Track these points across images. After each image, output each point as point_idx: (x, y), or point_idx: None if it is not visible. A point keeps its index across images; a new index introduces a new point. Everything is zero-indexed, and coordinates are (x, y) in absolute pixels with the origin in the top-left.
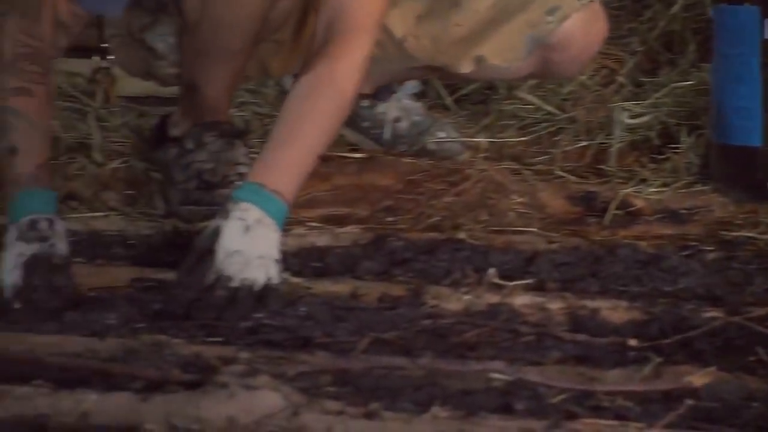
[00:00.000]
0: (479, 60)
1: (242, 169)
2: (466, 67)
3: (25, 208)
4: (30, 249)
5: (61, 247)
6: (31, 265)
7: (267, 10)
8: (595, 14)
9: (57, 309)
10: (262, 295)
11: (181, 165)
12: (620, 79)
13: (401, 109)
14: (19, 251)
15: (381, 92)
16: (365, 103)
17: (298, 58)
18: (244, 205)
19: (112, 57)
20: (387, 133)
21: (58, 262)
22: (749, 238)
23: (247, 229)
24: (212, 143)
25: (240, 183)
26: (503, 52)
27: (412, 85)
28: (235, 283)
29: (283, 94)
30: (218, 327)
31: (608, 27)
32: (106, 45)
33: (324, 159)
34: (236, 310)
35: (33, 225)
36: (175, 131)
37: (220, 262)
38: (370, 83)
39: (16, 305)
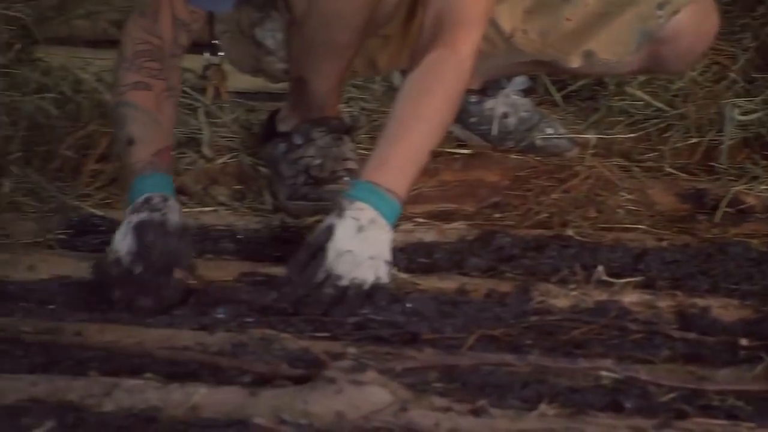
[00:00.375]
0: (588, 54)
1: (350, 164)
2: (574, 62)
3: (140, 190)
4: (139, 217)
5: (174, 218)
6: (142, 229)
7: (374, 4)
8: (706, 9)
9: (171, 271)
10: (371, 294)
11: (289, 160)
12: (732, 75)
13: (509, 104)
14: (129, 221)
15: (489, 88)
16: (473, 98)
17: (405, 53)
18: (358, 204)
19: (223, 54)
20: (494, 129)
21: (171, 229)
22: None
23: (361, 229)
24: (321, 139)
25: (348, 179)
26: (612, 47)
27: (520, 81)
28: (344, 282)
29: (391, 90)
30: (326, 322)
31: (719, 22)
32: (217, 42)
33: (431, 155)
34: (344, 308)
35: (147, 201)
36: (283, 126)
37: (331, 261)
38: (478, 79)
39: (136, 269)
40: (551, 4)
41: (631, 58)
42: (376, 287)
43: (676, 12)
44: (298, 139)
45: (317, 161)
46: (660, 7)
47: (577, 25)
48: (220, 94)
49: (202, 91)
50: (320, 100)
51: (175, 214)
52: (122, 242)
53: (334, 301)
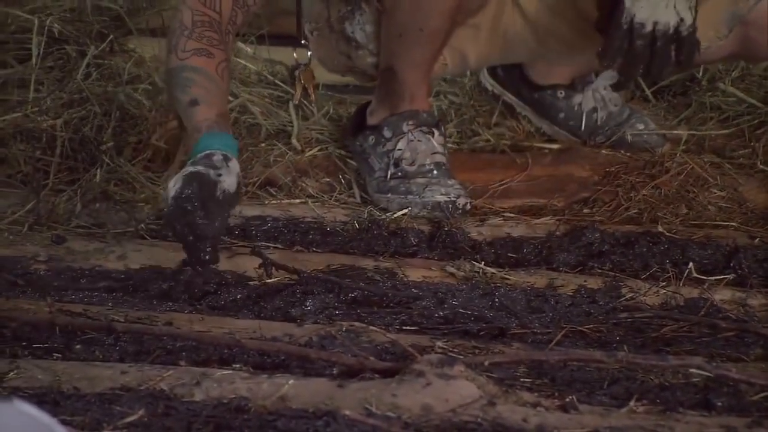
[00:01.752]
0: None
1: (438, 158)
2: None
3: (205, 146)
4: (194, 168)
5: (230, 182)
6: (190, 179)
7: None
8: None
9: (199, 231)
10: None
11: (378, 153)
12: None
13: (598, 99)
14: (184, 171)
15: (577, 83)
16: (561, 94)
17: (496, 46)
18: None
19: (311, 53)
20: (583, 125)
21: (220, 195)
22: None
23: None
24: (410, 132)
25: (437, 173)
26: (706, 31)
27: (609, 75)
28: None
29: (480, 85)
30: (413, 315)
31: None
32: (305, 41)
33: (520, 149)
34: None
35: (207, 156)
36: (372, 119)
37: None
38: (566, 73)
39: (168, 210)
40: None
41: (721, 43)
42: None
43: None
44: (387, 132)
45: (406, 154)
46: None
47: None
48: (309, 95)
49: (292, 82)
50: (410, 91)
51: (232, 177)
52: (170, 189)
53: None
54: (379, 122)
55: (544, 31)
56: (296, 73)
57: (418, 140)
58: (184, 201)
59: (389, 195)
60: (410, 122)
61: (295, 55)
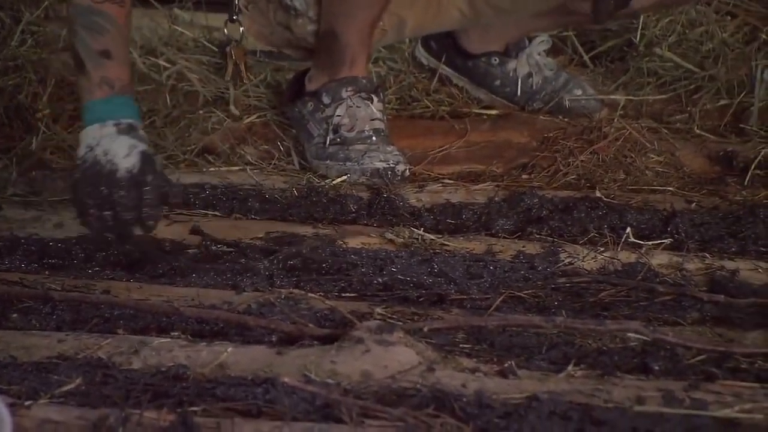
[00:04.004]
0: None
1: (377, 124)
2: None
3: (121, 112)
4: (141, 146)
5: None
6: (147, 159)
7: None
8: None
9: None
10: None
11: (317, 119)
12: (763, 36)
13: (532, 64)
14: (130, 143)
15: (511, 49)
16: (495, 60)
17: (430, 14)
18: None
19: (244, 29)
20: (519, 90)
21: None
22: None
23: None
24: (349, 98)
25: (375, 138)
26: None
27: (542, 40)
28: None
29: (415, 62)
30: (352, 282)
31: None
32: (237, 17)
33: (458, 116)
34: None
35: (132, 128)
36: (311, 85)
37: None
38: (499, 39)
39: (123, 192)
40: None
41: None
42: None
43: None
44: (326, 98)
45: (345, 120)
46: None
47: None
48: (241, 71)
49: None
50: (351, 54)
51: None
52: (125, 159)
53: None
54: (318, 88)
55: None
56: (227, 49)
57: (357, 106)
58: (144, 183)
59: (328, 162)
60: (349, 88)
61: (226, 31)
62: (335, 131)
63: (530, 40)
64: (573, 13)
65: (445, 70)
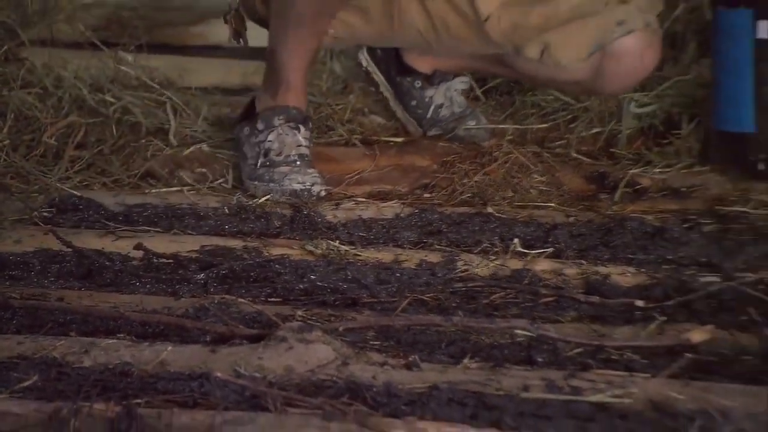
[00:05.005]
0: (546, 46)
1: (303, 150)
2: (532, 52)
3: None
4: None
5: None
6: None
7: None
8: (653, 40)
9: None
10: None
11: (251, 143)
12: None
13: (447, 98)
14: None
15: (436, 76)
16: (418, 84)
17: (387, 31)
18: None
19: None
20: (429, 115)
21: None
22: (742, 212)
23: None
24: (279, 126)
25: (300, 163)
26: (569, 48)
27: (462, 80)
28: None
29: (337, 84)
30: (277, 288)
31: (660, 58)
32: None
33: (369, 143)
34: None
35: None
36: (258, 105)
37: None
38: (432, 64)
39: None
40: (526, 1)
41: (579, 65)
42: None
43: (629, 32)
44: (260, 125)
45: (275, 146)
46: (619, 24)
47: (544, 21)
48: (239, 35)
49: (168, 86)
50: (287, 78)
51: None
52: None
53: None
54: (256, 114)
55: (441, 24)
56: (227, 17)
57: (286, 134)
58: None
59: (256, 182)
60: (281, 117)
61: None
62: (265, 155)
63: (455, 76)
64: (507, 66)
65: (378, 77)
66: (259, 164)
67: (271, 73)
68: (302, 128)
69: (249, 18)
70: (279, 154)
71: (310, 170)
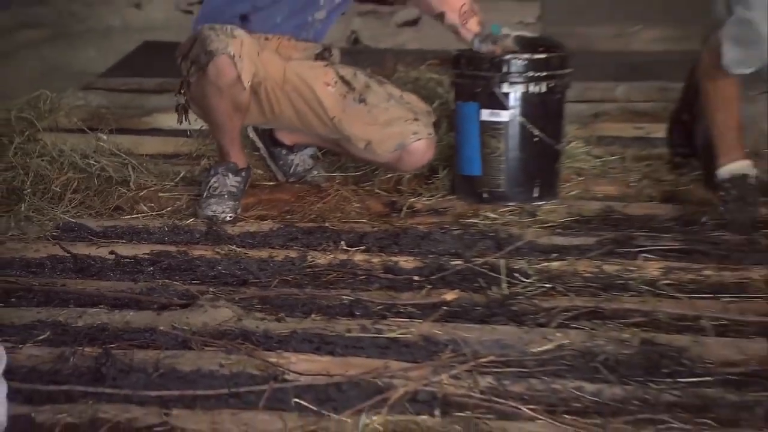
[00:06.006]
0: (368, 142)
1: (232, 189)
2: (360, 144)
3: None
4: None
5: None
6: None
7: (245, 105)
8: (432, 143)
9: None
10: None
11: (205, 181)
12: None
13: (301, 161)
14: None
15: (295, 148)
16: (284, 152)
17: (269, 120)
18: None
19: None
20: (291, 170)
21: None
22: (474, 223)
23: None
24: (221, 173)
25: (227, 197)
26: (383, 144)
27: (311, 150)
28: None
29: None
30: (197, 275)
31: (434, 154)
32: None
33: (256, 186)
34: None
35: None
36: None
37: None
38: (294, 139)
39: None
40: (359, 110)
41: (388, 155)
42: None
43: (419, 139)
44: (212, 171)
45: (215, 185)
46: (413, 133)
47: (368, 126)
48: (183, 118)
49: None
50: (226, 148)
51: None
52: None
53: None
54: (212, 165)
55: (304, 118)
56: (177, 107)
57: (224, 176)
58: None
59: (197, 208)
60: (222, 167)
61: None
62: (210, 190)
63: (306, 146)
64: (343, 147)
65: (260, 145)
66: (204, 195)
67: (217, 145)
68: (233, 175)
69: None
70: (215, 190)
71: (230, 203)
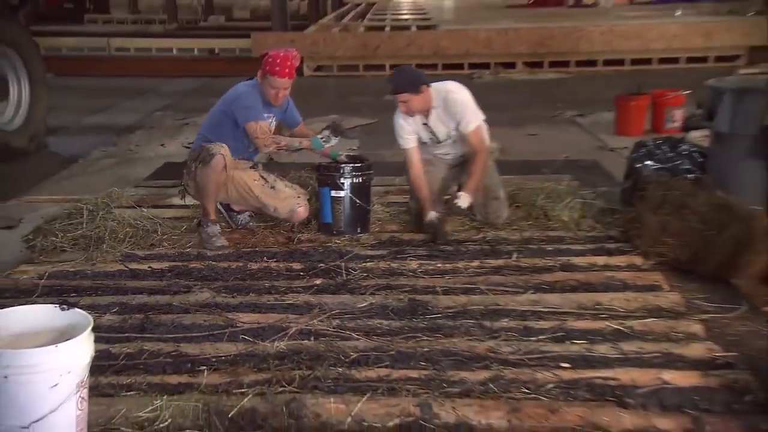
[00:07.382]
0: (275, 208)
1: (215, 233)
2: (271, 209)
3: None
4: None
5: None
6: None
7: (223, 182)
8: (307, 208)
9: None
10: None
11: (201, 232)
12: None
13: (244, 217)
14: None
15: (241, 211)
16: (234, 214)
17: (236, 198)
18: None
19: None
20: (238, 223)
21: None
22: (329, 245)
23: None
24: (209, 226)
25: (218, 243)
26: (282, 209)
27: (249, 212)
28: None
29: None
30: (193, 276)
31: (308, 213)
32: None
33: (222, 234)
34: None
35: None
36: (203, 220)
37: None
38: (239, 208)
39: None
40: (270, 192)
41: (285, 214)
42: None
43: (300, 206)
44: (203, 225)
45: (210, 232)
46: (298, 203)
47: (275, 200)
48: (184, 197)
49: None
50: (210, 211)
51: None
52: None
53: None
54: (202, 222)
55: (244, 198)
56: (179, 191)
57: (212, 228)
58: None
59: (205, 244)
60: (208, 222)
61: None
62: (206, 236)
63: (245, 211)
64: (263, 211)
65: (222, 211)
66: (204, 240)
67: (203, 208)
68: (212, 226)
69: (189, 194)
70: (210, 236)
71: (219, 243)
